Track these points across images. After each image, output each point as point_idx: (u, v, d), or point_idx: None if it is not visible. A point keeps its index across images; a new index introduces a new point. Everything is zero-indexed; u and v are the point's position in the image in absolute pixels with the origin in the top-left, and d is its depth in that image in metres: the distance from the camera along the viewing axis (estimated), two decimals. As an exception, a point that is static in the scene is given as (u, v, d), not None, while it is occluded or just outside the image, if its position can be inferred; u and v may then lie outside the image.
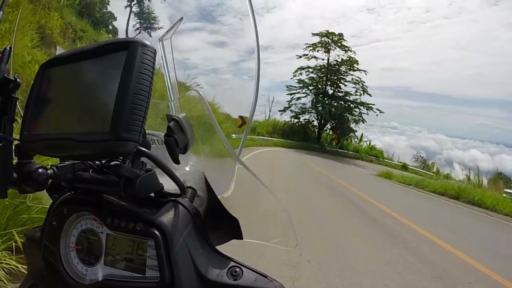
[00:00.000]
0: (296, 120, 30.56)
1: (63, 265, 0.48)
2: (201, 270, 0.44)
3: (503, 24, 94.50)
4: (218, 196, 0.54)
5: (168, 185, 0.48)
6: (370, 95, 29.79)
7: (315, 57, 30.41)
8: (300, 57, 30.80)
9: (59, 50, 0.60)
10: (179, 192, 0.48)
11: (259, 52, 0.54)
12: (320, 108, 30.05)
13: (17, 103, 0.43)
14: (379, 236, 4.43)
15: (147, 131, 0.44)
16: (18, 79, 0.42)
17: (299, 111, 30.57)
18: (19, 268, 1.76)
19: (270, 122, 29.54)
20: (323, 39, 29.84)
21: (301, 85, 30.70)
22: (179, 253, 0.42)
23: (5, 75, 0.41)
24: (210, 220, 0.52)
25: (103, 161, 0.49)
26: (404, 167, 26.48)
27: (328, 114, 29.31)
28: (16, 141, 0.43)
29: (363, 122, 30.40)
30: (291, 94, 30.72)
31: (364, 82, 29.60)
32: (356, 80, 29.79)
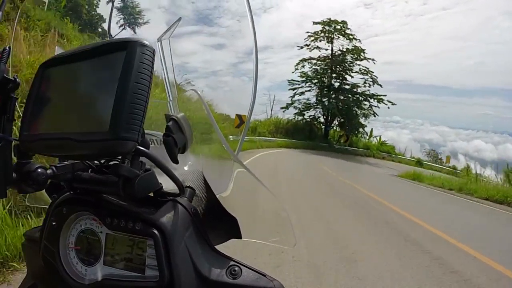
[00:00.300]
0: (300, 117, 27.66)
1: (62, 265, 0.47)
2: (200, 269, 0.44)
3: (501, 12, 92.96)
4: (217, 196, 0.53)
5: (167, 184, 0.47)
6: (380, 85, 26.79)
7: (318, 47, 27.63)
8: (302, 47, 27.98)
9: (58, 50, 0.60)
10: (178, 191, 0.49)
11: (257, 47, 0.55)
12: (326, 103, 27.34)
13: (16, 103, 0.43)
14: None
15: (145, 131, 0.43)
16: (17, 79, 0.42)
17: (303, 107, 27.64)
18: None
19: (272, 120, 26.61)
20: (325, 28, 27.28)
21: (304, 78, 27.83)
22: (178, 253, 0.43)
23: (5, 75, 0.41)
24: (209, 220, 0.51)
25: (102, 161, 0.49)
26: (419, 162, 24.52)
27: (336, 109, 26.36)
28: (16, 141, 0.43)
29: (375, 116, 27.43)
30: (293, 89, 27.89)
31: (373, 72, 26.80)
32: (364, 70, 26.84)
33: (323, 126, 28.17)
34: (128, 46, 0.37)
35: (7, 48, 0.42)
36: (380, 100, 26.50)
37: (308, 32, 27.95)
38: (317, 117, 28.27)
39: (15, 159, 0.42)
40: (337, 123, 28.33)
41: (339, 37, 27.15)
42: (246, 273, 0.44)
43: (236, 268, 0.45)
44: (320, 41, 27.41)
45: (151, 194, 0.46)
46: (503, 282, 2.99)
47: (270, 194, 0.50)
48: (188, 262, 0.43)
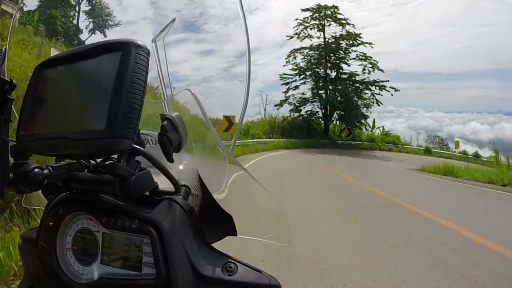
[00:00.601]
0: (296, 114, 24.62)
1: (59, 265, 0.48)
2: (197, 266, 0.45)
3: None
4: (212, 194, 0.54)
5: (163, 183, 0.48)
6: (382, 70, 23.76)
7: (309, 35, 24.83)
8: (291, 37, 24.95)
9: (54, 52, 0.61)
10: (173, 190, 0.49)
11: (249, 48, 0.55)
12: (323, 95, 24.35)
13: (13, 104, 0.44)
14: None
15: (141, 131, 0.44)
16: (13, 81, 0.43)
17: (299, 102, 24.56)
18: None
19: (266, 120, 23.76)
20: (315, 14, 24.96)
21: (296, 71, 24.83)
22: (174, 250, 0.43)
23: (1, 76, 0.42)
24: (204, 217, 0.52)
25: (98, 161, 0.50)
26: (428, 151, 22.64)
27: (336, 100, 23.51)
28: (12, 142, 0.44)
29: (378, 105, 24.18)
30: (286, 84, 24.76)
31: (372, 57, 24.06)
32: (362, 56, 24.03)
33: (322, 121, 25.22)
34: (123, 47, 0.38)
35: (3, 50, 0.44)
36: (382, 87, 23.61)
37: (297, 19, 25.13)
38: (315, 112, 25.22)
39: (12, 160, 0.43)
40: (337, 116, 25.33)
41: (330, 23, 24.76)
42: (242, 270, 0.45)
43: (232, 265, 0.46)
44: (311, 29, 24.82)
45: (147, 193, 0.47)
46: None
47: (264, 191, 0.51)
48: (185, 260, 0.44)
